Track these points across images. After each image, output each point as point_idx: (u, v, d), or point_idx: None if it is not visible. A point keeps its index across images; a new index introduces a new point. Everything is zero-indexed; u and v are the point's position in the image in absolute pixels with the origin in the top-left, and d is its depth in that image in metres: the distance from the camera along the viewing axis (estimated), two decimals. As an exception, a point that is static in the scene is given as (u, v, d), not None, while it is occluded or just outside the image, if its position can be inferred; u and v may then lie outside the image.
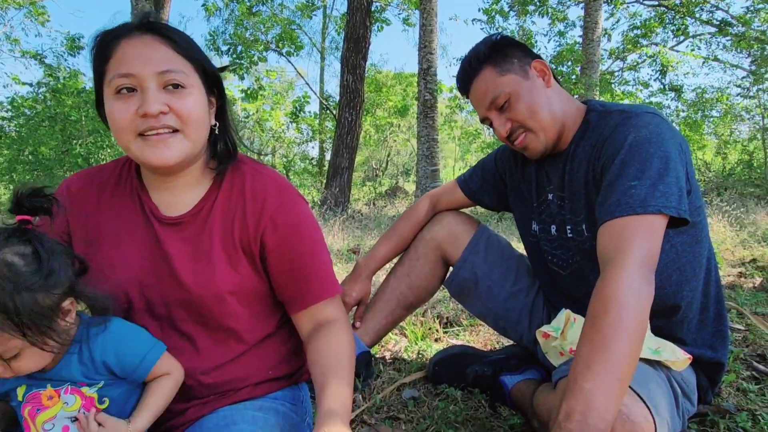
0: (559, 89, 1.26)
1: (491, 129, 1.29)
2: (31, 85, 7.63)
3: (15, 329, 0.71)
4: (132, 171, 1.01)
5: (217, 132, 0.97)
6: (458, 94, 14.13)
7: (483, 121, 1.31)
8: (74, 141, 7.17)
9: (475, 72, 1.26)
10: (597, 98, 8.57)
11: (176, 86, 0.86)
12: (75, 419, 0.81)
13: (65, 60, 9.48)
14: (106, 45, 0.86)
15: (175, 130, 0.86)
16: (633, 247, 0.94)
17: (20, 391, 0.82)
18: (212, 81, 0.94)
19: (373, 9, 8.07)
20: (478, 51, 1.26)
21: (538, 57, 1.26)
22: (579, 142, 1.22)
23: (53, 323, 0.76)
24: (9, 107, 7.24)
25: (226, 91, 1.00)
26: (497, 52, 1.24)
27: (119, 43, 0.85)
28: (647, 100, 12.94)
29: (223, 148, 0.98)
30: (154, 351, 0.88)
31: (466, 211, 1.64)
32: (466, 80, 1.29)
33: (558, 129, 1.22)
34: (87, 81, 8.51)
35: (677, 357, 1.07)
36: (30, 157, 7.00)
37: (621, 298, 0.87)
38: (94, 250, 0.94)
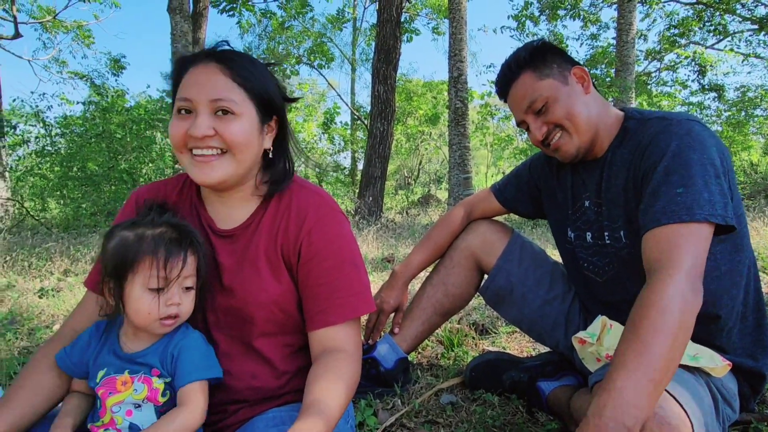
0: (597, 96, 1.27)
1: (527, 133, 1.31)
2: (84, 103, 8.09)
3: (194, 261, 0.94)
4: (192, 186, 1.09)
5: (271, 156, 1.03)
6: (489, 101, 14.07)
7: (519, 124, 1.32)
8: (119, 157, 7.51)
9: (514, 76, 1.28)
10: (633, 100, 8.38)
11: (226, 112, 0.93)
12: (138, 405, 0.91)
13: (107, 79, 10.01)
14: (179, 69, 0.97)
15: (224, 152, 0.94)
16: (681, 256, 0.94)
17: (100, 375, 0.93)
18: (270, 108, 0.99)
19: (402, 20, 8.15)
20: (518, 56, 1.27)
21: (578, 63, 1.27)
22: (617, 149, 1.23)
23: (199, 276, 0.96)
24: (59, 126, 7.67)
25: None
26: (537, 57, 1.25)
27: (188, 69, 0.96)
28: (686, 101, 12.55)
29: (278, 171, 1.03)
30: (206, 372, 0.94)
31: (500, 218, 1.67)
32: (505, 84, 1.31)
33: (592, 134, 1.23)
34: (131, 100, 8.97)
35: (716, 363, 1.06)
36: (79, 173, 7.36)
37: (665, 304, 0.88)
38: None
